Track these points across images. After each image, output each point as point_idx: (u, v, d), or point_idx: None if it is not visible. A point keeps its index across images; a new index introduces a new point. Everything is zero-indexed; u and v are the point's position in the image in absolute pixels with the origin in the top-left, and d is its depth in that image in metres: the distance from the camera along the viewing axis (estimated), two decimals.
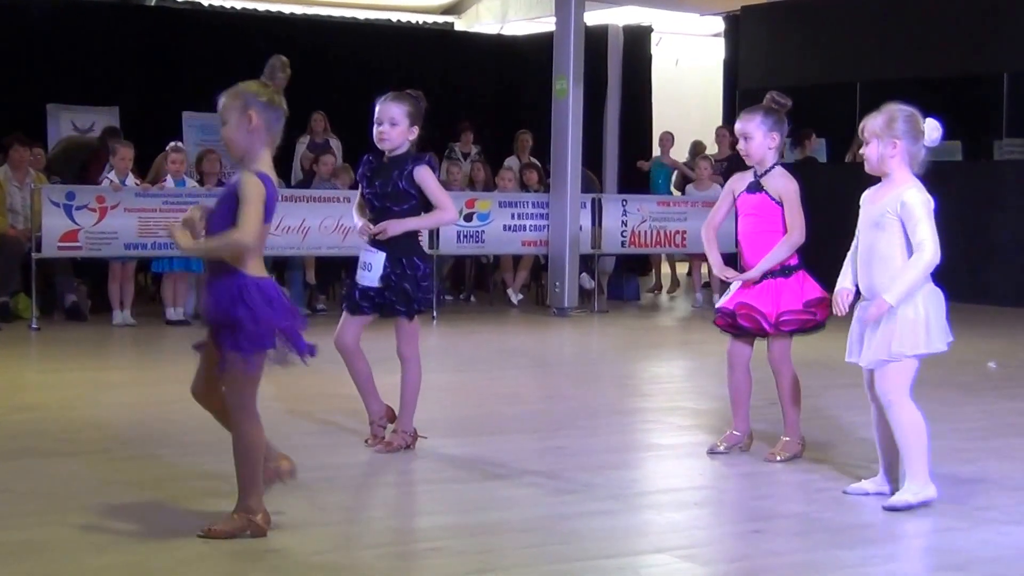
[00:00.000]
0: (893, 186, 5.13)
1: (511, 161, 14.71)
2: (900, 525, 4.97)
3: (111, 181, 11.05)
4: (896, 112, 5.15)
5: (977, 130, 14.37)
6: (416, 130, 6.04)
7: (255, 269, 4.41)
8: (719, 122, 18.31)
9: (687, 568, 4.37)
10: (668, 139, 15.93)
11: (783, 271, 5.94)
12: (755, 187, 6.01)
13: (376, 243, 5.98)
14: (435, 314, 11.91)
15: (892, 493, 5.19)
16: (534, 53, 15.91)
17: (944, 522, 4.92)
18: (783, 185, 5.94)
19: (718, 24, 18.99)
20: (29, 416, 6.86)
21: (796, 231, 5.89)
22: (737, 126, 6.05)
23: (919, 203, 5.05)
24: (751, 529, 4.80)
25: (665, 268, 15.74)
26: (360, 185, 6.19)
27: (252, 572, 4.16)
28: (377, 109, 6.04)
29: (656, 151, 16.59)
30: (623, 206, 13.32)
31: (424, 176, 5.97)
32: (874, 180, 5.28)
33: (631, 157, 17.22)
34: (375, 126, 6.03)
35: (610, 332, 11.80)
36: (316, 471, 5.42)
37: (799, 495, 5.39)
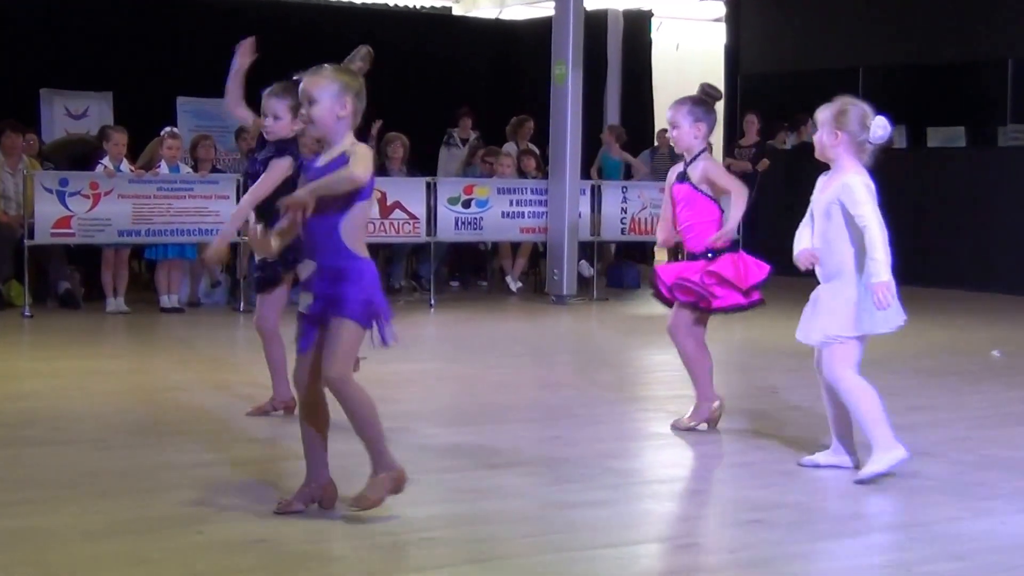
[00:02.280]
0: (839, 175, 5.30)
1: (509, 147, 14.62)
2: (900, 514, 4.94)
3: (105, 167, 10.97)
4: (845, 106, 5.31)
5: (981, 116, 14.25)
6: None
7: (364, 252, 4.46)
8: (720, 108, 18.23)
9: (686, 558, 4.32)
10: (616, 132, 15.71)
11: (708, 253, 6.09)
12: (682, 177, 6.26)
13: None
14: (432, 301, 11.85)
15: (852, 464, 5.35)
16: (533, 38, 15.81)
17: (945, 511, 4.87)
18: (703, 168, 6.16)
19: (719, 8, 18.88)
20: (22, 404, 6.81)
21: (738, 188, 6.10)
22: (667, 115, 6.24)
23: (859, 186, 5.21)
24: (750, 519, 4.74)
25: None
26: None
27: (246, 561, 4.10)
28: (262, 103, 6.13)
29: (655, 143, 16.44)
30: (623, 192, 13.23)
31: (274, 163, 6.04)
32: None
33: (631, 143, 17.12)
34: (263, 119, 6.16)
35: (609, 320, 11.73)
36: None
37: (798, 485, 5.33)
